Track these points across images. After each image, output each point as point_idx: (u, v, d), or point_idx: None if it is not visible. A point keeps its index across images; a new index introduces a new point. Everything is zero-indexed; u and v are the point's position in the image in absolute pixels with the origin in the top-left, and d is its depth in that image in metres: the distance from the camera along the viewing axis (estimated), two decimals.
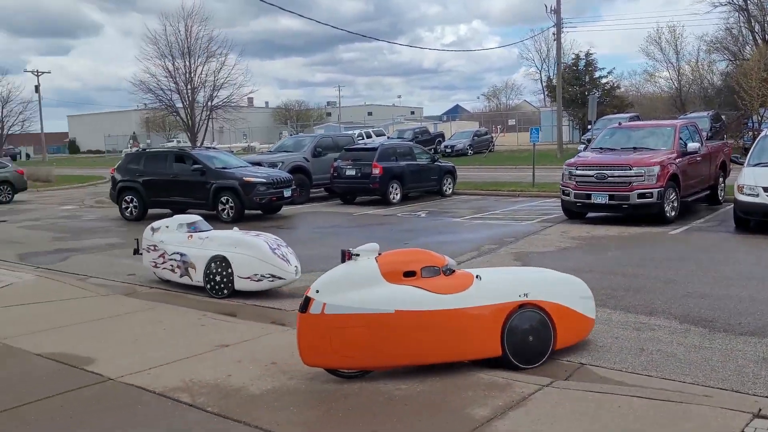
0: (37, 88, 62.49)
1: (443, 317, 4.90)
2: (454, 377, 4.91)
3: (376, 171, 17.73)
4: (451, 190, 20.06)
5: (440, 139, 44.78)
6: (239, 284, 7.88)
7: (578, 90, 46.29)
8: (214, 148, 21.35)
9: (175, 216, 9.45)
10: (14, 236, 14.31)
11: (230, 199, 15.03)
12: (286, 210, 16.78)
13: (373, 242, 5.15)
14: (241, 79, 38.05)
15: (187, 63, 36.45)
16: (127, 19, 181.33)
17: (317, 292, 4.86)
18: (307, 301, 4.86)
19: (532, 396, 4.48)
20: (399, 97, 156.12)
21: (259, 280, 7.78)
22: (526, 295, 5.17)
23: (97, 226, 15.80)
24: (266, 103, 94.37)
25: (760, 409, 4.06)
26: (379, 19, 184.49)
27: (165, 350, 5.78)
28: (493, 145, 43.32)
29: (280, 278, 7.78)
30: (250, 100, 70.14)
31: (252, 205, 15.16)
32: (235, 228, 8.67)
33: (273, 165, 18.06)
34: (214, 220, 14.22)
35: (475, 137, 42.46)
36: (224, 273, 7.94)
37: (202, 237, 8.46)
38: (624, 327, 6.22)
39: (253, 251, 7.84)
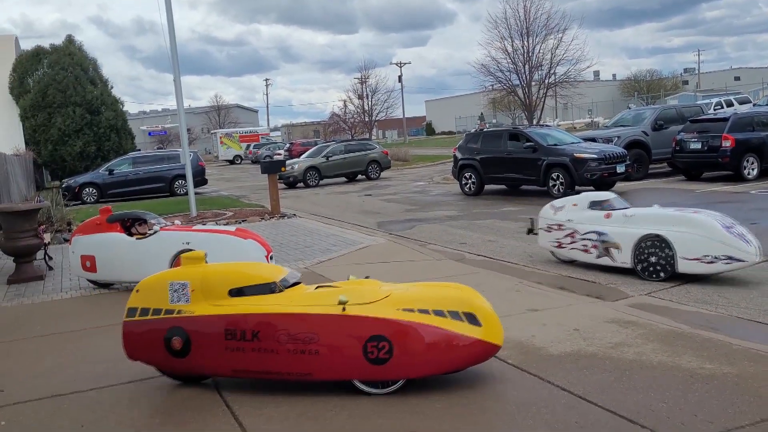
0: (399, 78, 70.53)
1: None
2: None
3: (727, 143, 15.94)
4: None
5: None
6: (683, 266, 7.26)
7: None
8: (548, 126, 21.62)
9: (583, 193, 8.96)
10: (376, 207, 16.84)
11: (560, 175, 15.23)
12: (620, 186, 16.26)
13: None
14: (578, 54, 37.45)
15: (525, 43, 37.32)
16: (477, 4, 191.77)
17: None
18: None
19: None
20: None
21: (711, 262, 7.10)
22: None
23: (440, 200, 17.56)
24: (613, 75, 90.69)
25: None
26: None
27: None
28: None
29: (738, 260, 7.01)
30: (596, 73, 68.20)
31: (583, 181, 15.12)
32: (656, 205, 8.10)
33: (608, 140, 17.64)
34: (545, 195, 14.63)
35: None
36: (661, 254, 7.37)
37: (626, 214, 7.85)
38: None
39: (701, 230, 7.16)
